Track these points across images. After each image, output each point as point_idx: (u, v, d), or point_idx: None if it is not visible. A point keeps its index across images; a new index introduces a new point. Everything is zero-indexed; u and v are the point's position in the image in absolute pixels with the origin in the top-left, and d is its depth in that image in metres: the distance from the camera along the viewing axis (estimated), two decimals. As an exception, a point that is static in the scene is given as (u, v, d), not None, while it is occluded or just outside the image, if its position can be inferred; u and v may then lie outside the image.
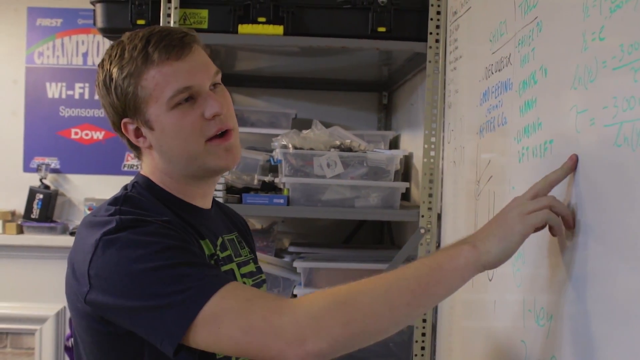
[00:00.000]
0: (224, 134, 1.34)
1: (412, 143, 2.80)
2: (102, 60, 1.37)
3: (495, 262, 1.16)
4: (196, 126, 1.31)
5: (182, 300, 1.14)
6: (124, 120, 1.35)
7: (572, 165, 1.17)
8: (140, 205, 1.31)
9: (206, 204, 1.43)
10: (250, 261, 1.52)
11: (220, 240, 1.42)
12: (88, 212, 3.40)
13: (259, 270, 1.55)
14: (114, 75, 1.32)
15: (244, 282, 1.43)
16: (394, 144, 3.04)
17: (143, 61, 1.30)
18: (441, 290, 1.16)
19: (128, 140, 1.38)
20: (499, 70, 1.60)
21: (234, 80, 3.37)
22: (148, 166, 1.40)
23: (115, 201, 1.32)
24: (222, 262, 1.39)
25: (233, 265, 1.42)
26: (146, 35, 1.33)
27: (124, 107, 1.33)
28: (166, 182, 1.38)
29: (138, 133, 1.35)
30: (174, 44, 1.31)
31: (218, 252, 1.39)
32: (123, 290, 1.18)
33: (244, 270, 1.46)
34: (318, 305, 1.12)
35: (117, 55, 1.33)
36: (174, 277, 1.16)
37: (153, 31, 1.34)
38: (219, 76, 1.38)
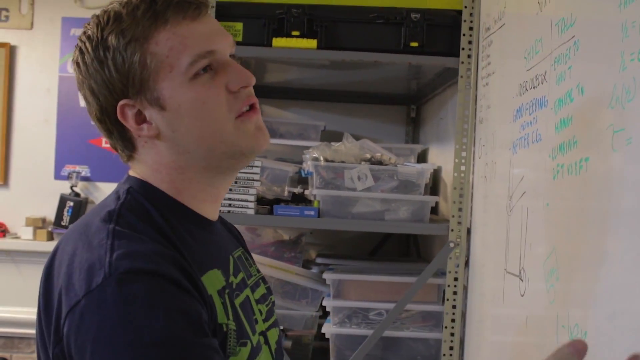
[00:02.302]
0: (251, 107, 1.12)
1: (441, 157, 2.81)
2: (84, 33, 1.09)
3: None
4: (221, 100, 1.08)
5: None
6: (122, 102, 1.07)
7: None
8: (135, 232, 1.03)
9: (214, 214, 1.19)
10: (260, 281, 1.31)
11: (232, 260, 1.20)
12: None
13: (269, 291, 1.34)
14: (112, 42, 1.05)
15: (260, 310, 1.23)
16: (422, 158, 3.06)
17: (152, 21, 1.05)
18: None
19: (120, 132, 1.11)
20: (534, 88, 1.62)
21: (263, 92, 3.41)
22: (147, 166, 1.12)
23: (109, 216, 1.05)
24: (236, 290, 1.16)
25: (248, 291, 1.20)
26: None
27: (125, 83, 1.06)
28: (175, 182, 1.12)
29: (139, 119, 1.09)
30: (189, 1, 1.08)
31: (232, 279, 1.16)
32: None
33: (257, 294, 1.25)
34: None
35: (112, 21, 1.06)
36: None
37: None
38: (234, 48, 1.15)
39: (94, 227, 1.04)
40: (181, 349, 0.94)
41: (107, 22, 1.06)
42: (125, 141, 1.12)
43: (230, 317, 1.09)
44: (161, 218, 1.07)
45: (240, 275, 1.20)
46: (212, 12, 2.32)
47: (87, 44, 1.07)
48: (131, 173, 1.15)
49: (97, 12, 1.11)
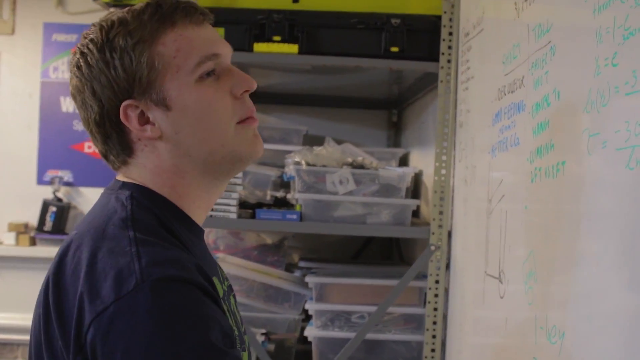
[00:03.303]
0: (250, 116, 1.13)
1: (422, 160, 2.83)
2: (86, 37, 1.10)
3: None
4: (227, 104, 1.09)
5: None
6: (126, 102, 1.07)
7: None
8: (155, 238, 1.03)
9: (202, 221, 1.18)
10: (229, 289, 1.25)
11: (218, 269, 1.20)
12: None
13: (235, 299, 1.27)
14: (119, 43, 1.06)
15: (235, 320, 1.16)
16: (404, 161, 3.08)
17: (159, 24, 1.07)
18: None
19: (119, 135, 1.10)
20: (512, 92, 1.64)
21: (246, 97, 3.42)
22: (146, 169, 1.11)
23: (123, 223, 1.03)
24: (226, 294, 1.16)
25: (232, 298, 1.20)
26: (154, 1, 1.09)
27: (131, 82, 1.06)
28: (176, 187, 1.11)
29: (142, 120, 1.08)
30: (195, 8, 1.10)
31: (225, 286, 1.17)
32: None
33: (233, 302, 1.22)
34: None
35: (117, 24, 1.07)
36: None
37: None
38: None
39: (109, 232, 1.02)
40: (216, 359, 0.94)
41: (112, 26, 1.07)
42: (123, 145, 1.11)
43: (233, 323, 1.09)
44: (169, 224, 1.07)
45: (226, 282, 1.20)
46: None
47: (91, 46, 1.08)
48: (123, 178, 1.13)
49: (96, 18, 1.12)
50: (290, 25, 2.38)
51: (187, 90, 1.07)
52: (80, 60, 1.09)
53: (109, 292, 0.94)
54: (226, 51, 1.13)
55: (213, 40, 1.11)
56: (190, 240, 1.11)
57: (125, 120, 1.08)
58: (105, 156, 1.14)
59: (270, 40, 2.37)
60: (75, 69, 1.11)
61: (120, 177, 1.14)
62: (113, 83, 1.07)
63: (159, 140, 1.09)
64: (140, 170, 1.11)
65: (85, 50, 1.09)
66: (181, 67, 1.07)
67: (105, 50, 1.06)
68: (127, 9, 1.10)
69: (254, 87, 1.13)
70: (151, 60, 1.06)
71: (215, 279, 1.08)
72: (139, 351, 0.91)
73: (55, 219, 3.74)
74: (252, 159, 1.15)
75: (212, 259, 1.20)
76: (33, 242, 3.80)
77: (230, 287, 1.23)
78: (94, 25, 1.11)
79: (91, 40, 1.08)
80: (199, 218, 1.16)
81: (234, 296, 1.25)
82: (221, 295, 1.08)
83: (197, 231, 1.15)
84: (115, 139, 1.10)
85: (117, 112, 1.08)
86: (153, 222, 1.06)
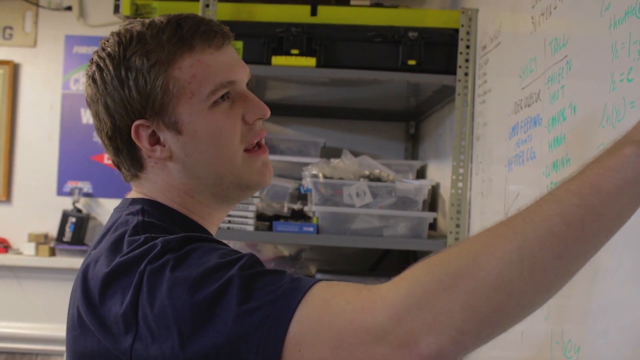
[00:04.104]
0: (259, 145, 1.13)
1: (439, 173, 2.83)
2: (103, 49, 1.09)
3: None
4: (237, 131, 1.09)
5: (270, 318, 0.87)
6: (137, 122, 1.07)
7: None
8: (170, 231, 1.04)
9: (214, 234, 1.17)
10: None
11: None
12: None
13: None
14: (136, 64, 1.05)
15: None
16: (421, 174, 3.08)
17: (177, 47, 1.06)
18: (606, 224, 0.80)
19: (129, 151, 1.10)
20: (529, 106, 1.64)
21: (264, 109, 3.44)
22: (156, 185, 1.12)
23: (135, 231, 1.03)
24: None
25: None
26: (174, 19, 1.08)
27: (144, 104, 1.06)
28: (185, 204, 1.11)
29: (153, 140, 1.09)
30: (215, 30, 1.09)
31: None
32: (196, 324, 0.89)
33: None
34: (423, 286, 0.81)
35: (135, 41, 1.07)
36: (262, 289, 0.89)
37: (181, 16, 1.09)
38: (249, 79, 1.16)
39: (124, 243, 1.01)
40: (261, 262, 0.94)
41: (130, 42, 1.07)
42: (133, 160, 1.12)
43: None
44: (182, 231, 1.06)
45: None
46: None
47: (108, 61, 1.07)
48: (133, 195, 1.14)
49: (117, 29, 1.11)
50: (308, 39, 2.39)
51: (199, 116, 1.07)
52: (96, 74, 1.09)
53: (140, 266, 0.95)
54: (243, 75, 1.12)
55: (231, 65, 1.10)
56: None
57: (136, 139, 1.08)
58: (118, 167, 1.16)
59: (288, 54, 2.39)
60: (90, 80, 1.11)
61: (129, 195, 1.15)
62: (126, 102, 1.07)
63: (169, 160, 1.10)
64: (150, 185, 1.12)
65: (102, 65, 1.08)
66: (195, 94, 1.06)
67: (121, 69, 1.06)
68: (147, 22, 1.09)
69: (268, 115, 1.12)
70: (166, 84, 1.06)
71: None
72: (182, 279, 0.91)
73: (75, 229, 3.77)
74: (261, 187, 1.17)
75: None
76: (53, 252, 3.83)
77: None
78: (112, 35, 1.10)
79: (108, 54, 1.08)
80: (211, 231, 1.16)
81: None
82: None
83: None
84: (126, 154, 1.11)
85: (128, 130, 1.08)
86: (165, 224, 1.06)
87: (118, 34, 1.09)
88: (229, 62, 1.10)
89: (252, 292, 0.89)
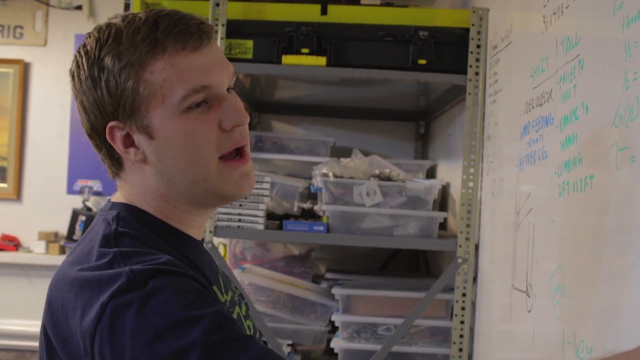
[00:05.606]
0: (240, 154, 1.08)
1: (450, 173, 2.83)
2: (84, 45, 1.06)
3: None
4: (212, 137, 1.04)
5: None
6: (111, 123, 1.04)
7: None
8: (144, 245, 1.02)
9: (200, 235, 1.16)
10: (240, 297, 1.24)
11: (220, 278, 1.16)
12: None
13: (247, 306, 1.26)
14: (107, 64, 1.02)
15: (248, 326, 1.20)
16: (431, 173, 3.08)
17: (150, 49, 1.02)
18: None
19: (108, 150, 1.08)
20: (540, 105, 1.64)
21: (273, 108, 3.45)
22: (133, 187, 1.09)
23: (105, 241, 1.01)
24: (230, 307, 1.14)
25: (237, 309, 1.17)
26: (152, 18, 1.04)
27: (116, 106, 1.03)
28: (160, 208, 1.09)
29: (128, 142, 1.05)
30: (191, 31, 1.04)
31: (226, 297, 1.14)
32: None
33: (243, 310, 1.21)
34: None
35: (111, 40, 1.03)
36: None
37: (160, 14, 1.04)
38: (234, 79, 1.11)
39: (92, 255, 1.00)
40: (229, 320, 0.94)
41: (107, 40, 1.03)
42: (112, 160, 1.09)
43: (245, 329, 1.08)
44: (159, 239, 1.05)
45: (230, 292, 1.17)
46: (222, 30, 2.36)
47: (84, 59, 1.05)
48: (115, 199, 1.12)
49: (104, 21, 1.08)
50: (319, 38, 2.39)
51: (171, 121, 1.03)
52: (75, 71, 1.07)
53: (103, 297, 0.93)
54: (222, 78, 1.07)
55: (207, 68, 1.04)
56: (184, 249, 1.09)
57: (110, 140, 1.05)
58: (104, 163, 1.13)
59: (298, 53, 2.38)
60: (70, 76, 1.09)
61: (113, 196, 1.13)
62: (99, 103, 1.04)
63: (144, 163, 1.07)
64: (129, 187, 1.10)
65: (80, 63, 1.06)
66: (167, 97, 1.02)
67: (94, 68, 1.03)
68: (129, 17, 1.05)
69: (246, 122, 1.08)
70: (136, 87, 1.02)
71: (214, 288, 1.08)
72: (146, 331, 0.90)
73: (85, 228, 3.78)
74: (237, 198, 1.12)
75: (212, 269, 1.16)
76: (62, 250, 3.85)
77: (241, 295, 1.23)
78: (95, 29, 1.07)
79: (85, 52, 1.05)
80: (196, 233, 1.14)
81: (246, 304, 1.24)
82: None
83: (193, 243, 1.13)
84: (105, 152, 1.09)
85: (104, 130, 1.06)
86: (139, 234, 1.04)
87: (99, 29, 1.06)
88: (206, 65, 1.04)
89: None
